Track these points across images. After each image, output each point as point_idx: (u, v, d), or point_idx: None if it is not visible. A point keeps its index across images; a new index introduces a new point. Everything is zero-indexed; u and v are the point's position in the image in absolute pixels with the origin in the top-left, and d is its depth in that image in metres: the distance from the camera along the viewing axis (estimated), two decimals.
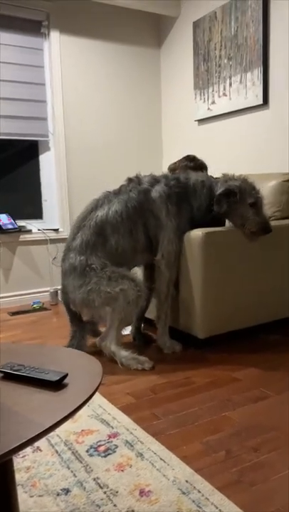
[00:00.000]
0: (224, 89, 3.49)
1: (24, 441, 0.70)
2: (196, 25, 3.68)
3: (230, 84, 3.42)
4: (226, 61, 3.45)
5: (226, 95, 3.48)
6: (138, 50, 4.06)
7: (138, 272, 2.60)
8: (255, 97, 3.23)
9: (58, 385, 0.90)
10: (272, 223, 2.63)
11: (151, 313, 2.64)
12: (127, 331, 2.76)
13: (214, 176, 2.54)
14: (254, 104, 3.25)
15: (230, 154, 3.51)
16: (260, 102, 3.20)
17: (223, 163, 3.36)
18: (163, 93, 4.21)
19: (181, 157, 2.92)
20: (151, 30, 4.11)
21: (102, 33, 3.87)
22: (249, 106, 3.30)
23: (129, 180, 2.45)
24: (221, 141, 3.61)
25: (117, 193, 2.40)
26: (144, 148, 4.15)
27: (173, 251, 2.39)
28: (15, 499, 0.85)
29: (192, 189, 2.41)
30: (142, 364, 2.26)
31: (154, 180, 2.42)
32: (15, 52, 3.53)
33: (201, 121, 3.77)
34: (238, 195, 2.36)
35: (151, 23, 4.08)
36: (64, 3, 3.64)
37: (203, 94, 3.69)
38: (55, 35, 3.65)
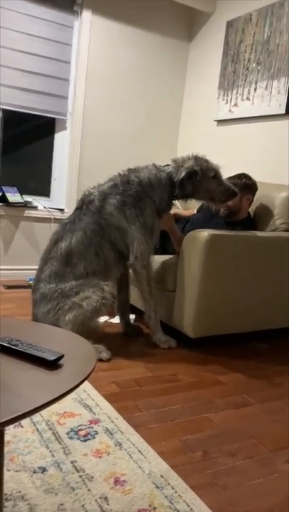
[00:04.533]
0: (248, 93, 3.47)
1: (16, 415, 0.71)
2: (229, 24, 3.65)
3: (256, 89, 3.40)
4: (254, 65, 3.42)
5: (249, 99, 3.46)
6: (167, 41, 4.03)
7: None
8: (279, 106, 3.21)
9: (53, 365, 0.91)
10: (277, 234, 2.64)
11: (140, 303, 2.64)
12: (117, 320, 2.77)
13: (160, 165, 2.50)
14: (276, 113, 3.24)
15: (245, 159, 3.50)
16: (283, 111, 3.18)
17: (237, 166, 3.34)
18: (186, 88, 4.18)
19: (232, 173, 2.85)
20: (184, 23, 4.08)
21: (134, 19, 3.83)
22: (271, 114, 3.28)
23: (81, 201, 2.42)
24: (237, 145, 3.60)
25: (73, 221, 2.38)
26: (160, 140, 4.13)
27: (146, 250, 2.38)
28: (2, 468, 0.86)
29: (148, 184, 2.38)
30: (99, 353, 2.24)
31: (104, 194, 2.37)
32: (44, 26, 3.49)
33: (221, 121, 3.75)
34: (200, 173, 2.38)
35: (184, 16, 4.04)
36: None
37: (227, 95, 3.66)
38: (87, 14, 3.61)
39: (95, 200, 2.37)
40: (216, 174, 2.42)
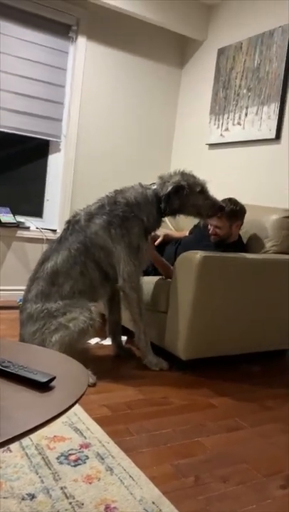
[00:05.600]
0: (239, 118, 3.54)
1: (7, 438, 0.70)
2: (220, 52, 3.75)
3: (246, 115, 3.48)
4: (244, 91, 3.51)
5: (240, 124, 3.54)
6: (160, 67, 4.12)
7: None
8: (269, 131, 3.29)
9: (44, 387, 0.90)
10: (268, 257, 2.67)
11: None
12: (108, 341, 2.75)
13: (147, 184, 2.52)
14: (266, 137, 3.31)
15: (236, 182, 3.56)
16: (273, 136, 3.25)
17: (228, 189, 3.40)
18: (178, 113, 4.26)
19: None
20: (176, 50, 4.18)
21: (128, 46, 3.92)
22: (261, 138, 3.35)
23: (68, 222, 2.44)
24: (229, 168, 3.66)
25: (60, 241, 2.40)
26: (153, 162, 4.19)
27: (132, 271, 2.37)
28: None
29: (135, 204, 2.39)
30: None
31: (91, 214, 2.39)
32: (40, 51, 3.56)
33: (213, 145, 3.82)
34: (187, 188, 2.40)
35: (176, 43, 4.15)
36: (95, 11, 3.69)
37: (218, 120, 3.74)
38: (82, 40, 3.70)
39: (81, 220, 2.39)
40: (202, 189, 2.44)
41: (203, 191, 2.45)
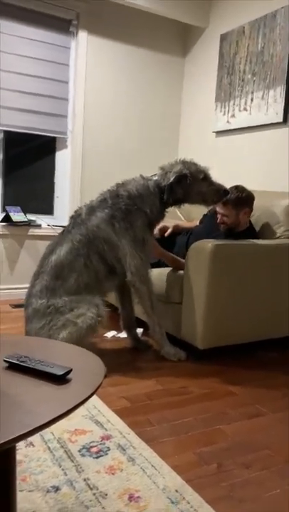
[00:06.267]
0: (245, 103, 3.50)
1: (28, 430, 0.71)
2: (223, 37, 3.70)
3: (252, 100, 3.43)
4: (249, 76, 3.46)
5: (246, 110, 3.50)
6: (163, 57, 4.09)
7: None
8: (276, 115, 3.24)
9: (61, 380, 0.91)
10: (280, 242, 2.64)
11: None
12: (124, 334, 2.76)
13: (148, 175, 2.50)
14: (274, 122, 3.26)
15: (245, 168, 3.52)
16: (280, 119, 3.20)
17: (237, 175, 3.37)
18: (183, 102, 4.23)
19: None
20: (178, 39, 4.14)
21: (129, 37, 3.89)
22: (269, 123, 3.30)
23: (71, 217, 2.44)
24: (237, 155, 3.62)
25: (62, 235, 2.40)
26: (160, 155, 4.15)
27: (140, 264, 2.35)
28: (15, 487, 0.85)
29: (137, 196, 2.37)
30: None
31: (92, 208, 2.39)
32: (42, 48, 3.56)
33: (220, 133, 3.78)
34: (190, 177, 2.37)
35: (178, 31, 4.11)
36: (95, 4, 3.67)
37: (224, 107, 3.70)
38: (83, 35, 3.68)
39: (82, 214, 2.39)
40: (205, 176, 2.42)
41: (206, 178, 2.43)
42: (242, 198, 2.63)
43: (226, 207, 2.60)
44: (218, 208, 2.64)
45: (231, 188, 2.63)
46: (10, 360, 0.97)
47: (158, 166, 2.49)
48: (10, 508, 0.83)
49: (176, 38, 4.12)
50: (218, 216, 2.68)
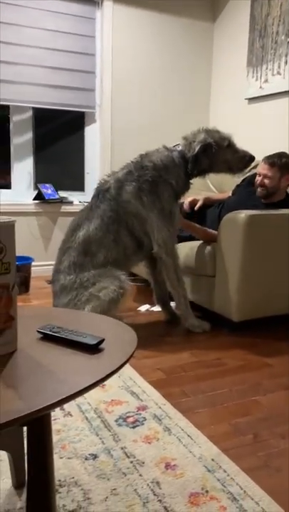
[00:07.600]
0: (279, 67, 3.34)
1: (62, 397, 0.72)
2: None
3: (286, 62, 3.27)
4: (283, 37, 3.29)
5: (280, 74, 3.34)
6: (191, 23, 3.94)
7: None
8: None
9: (94, 349, 0.91)
10: None
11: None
12: (158, 308, 2.76)
13: (171, 146, 2.45)
14: None
15: (280, 136, 3.39)
16: None
17: (271, 144, 3.25)
18: (214, 69, 4.09)
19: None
20: (207, 4, 3.97)
21: (156, 4, 3.77)
22: None
23: (97, 190, 2.40)
24: (271, 122, 3.48)
25: (90, 209, 2.37)
26: (191, 126, 4.02)
27: (167, 237, 2.34)
28: (51, 452, 0.87)
29: (162, 167, 2.33)
30: None
31: (120, 181, 2.35)
32: (66, 20, 3.50)
33: (252, 99, 3.64)
34: (215, 145, 2.32)
35: None
36: None
37: (256, 72, 3.55)
38: (108, 4, 3.59)
39: (111, 188, 2.36)
40: (229, 143, 2.37)
41: (230, 145, 2.38)
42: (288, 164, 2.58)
43: (273, 168, 2.55)
44: (262, 169, 2.58)
45: (275, 154, 2.59)
46: (43, 331, 0.98)
47: (181, 136, 2.43)
48: (47, 471, 0.85)
49: (204, 2, 3.96)
50: (258, 178, 2.61)
